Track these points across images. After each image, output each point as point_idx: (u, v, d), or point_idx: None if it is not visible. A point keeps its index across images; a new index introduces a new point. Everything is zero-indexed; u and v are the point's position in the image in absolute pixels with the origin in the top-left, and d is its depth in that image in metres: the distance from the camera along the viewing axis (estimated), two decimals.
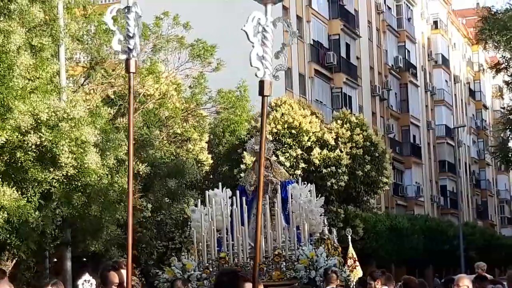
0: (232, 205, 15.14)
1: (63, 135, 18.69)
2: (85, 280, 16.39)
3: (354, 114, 41.31)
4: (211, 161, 34.89)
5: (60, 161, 18.65)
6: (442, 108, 72.72)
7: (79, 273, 20.48)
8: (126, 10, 7.17)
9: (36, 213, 18.86)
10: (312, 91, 49.26)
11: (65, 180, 19.40)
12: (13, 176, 19.02)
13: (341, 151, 36.94)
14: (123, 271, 7.03)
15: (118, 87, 30.53)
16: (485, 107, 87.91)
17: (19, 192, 18.58)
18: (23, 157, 18.51)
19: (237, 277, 5.42)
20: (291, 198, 15.28)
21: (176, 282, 13.74)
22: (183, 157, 31.48)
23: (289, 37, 6.63)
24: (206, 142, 34.37)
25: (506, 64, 35.37)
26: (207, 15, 43.52)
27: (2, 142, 17.92)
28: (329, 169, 36.32)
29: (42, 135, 18.30)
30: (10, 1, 19.24)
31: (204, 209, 15.32)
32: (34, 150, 18.54)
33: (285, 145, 36.17)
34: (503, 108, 41.29)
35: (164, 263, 19.46)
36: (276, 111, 36.94)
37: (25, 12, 19.39)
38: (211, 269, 14.64)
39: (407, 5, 66.71)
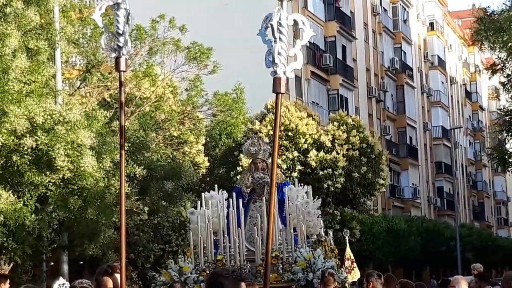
0: (228, 207, 15.11)
1: (59, 139, 18.67)
2: (59, 285, 16.28)
3: (351, 116, 41.32)
4: (208, 164, 34.89)
5: (56, 165, 18.63)
6: (439, 109, 72.76)
7: (76, 276, 20.45)
8: (115, 7, 7.03)
9: (33, 216, 18.83)
10: (308, 93, 49.26)
11: (61, 184, 19.38)
12: (9, 179, 19.00)
13: (338, 153, 36.94)
14: (118, 275, 6.93)
15: (114, 90, 30.51)
16: (482, 109, 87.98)
17: (15, 196, 18.55)
18: (19, 161, 18.48)
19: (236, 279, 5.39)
20: (288, 200, 15.26)
21: (175, 285, 13.73)
22: (180, 159, 31.48)
23: (305, 35, 6.55)
24: (202, 145, 34.38)
25: (502, 65, 35.36)
26: (203, 18, 43.52)
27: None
28: (325, 171, 36.32)
29: (38, 138, 18.28)
30: (5, 5, 19.22)
31: (201, 210, 15.30)
32: (30, 153, 18.52)
33: (282, 148, 36.18)
34: (500, 109, 41.32)
35: (161, 266, 19.45)
36: (273, 113, 36.93)
37: (20, 15, 19.37)
38: (208, 272, 14.62)
39: (403, 7, 66.76)
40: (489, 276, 22.40)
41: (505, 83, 36.01)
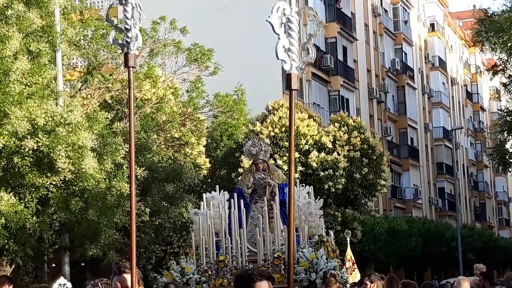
0: (229, 207, 15.11)
1: (60, 140, 18.69)
2: (59, 284, 16.27)
3: (352, 117, 41.34)
4: (209, 165, 34.91)
5: (57, 166, 18.65)
6: (440, 110, 72.75)
7: (78, 277, 20.49)
8: (123, 2, 6.94)
9: (34, 218, 18.86)
10: (309, 94, 49.29)
11: (62, 185, 19.40)
12: (10, 181, 19.03)
13: (339, 154, 36.95)
14: (127, 276, 6.87)
15: (116, 91, 30.55)
16: (483, 109, 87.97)
17: (17, 198, 18.58)
18: (20, 162, 18.50)
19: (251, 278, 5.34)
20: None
21: (169, 285, 13.75)
22: (181, 161, 31.50)
23: (316, 27, 6.43)
24: (203, 146, 34.40)
25: (503, 66, 35.36)
26: (204, 19, 43.55)
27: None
28: (326, 172, 36.33)
29: (39, 140, 18.30)
30: (7, 7, 19.25)
31: (203, 210, 15.31)
32: (31, 155, 18.54)
33: (283, 149, 36.19)
34: (501, 110, 41.30)
35: (163, 268, 19.46)
36: (274, 114, 36.96)
37: (22, 17, 19.41)
38: (210, 273, 14.63)
39: (403, 8, 66.78)
40: (491, 276, 22.40)
41: (506, 83, 36.02)
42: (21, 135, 18.16)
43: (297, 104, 40.08)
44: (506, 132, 35.52)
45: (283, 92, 45.53)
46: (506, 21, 32.25)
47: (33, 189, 19.09)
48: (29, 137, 18.24)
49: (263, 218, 14.80)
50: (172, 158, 31.13)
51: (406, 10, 67.43)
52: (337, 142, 37.46)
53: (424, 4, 73.41)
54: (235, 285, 5.46)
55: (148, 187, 27.83)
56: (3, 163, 18.76)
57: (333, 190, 36.63)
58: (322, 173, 36.33)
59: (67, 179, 19.05)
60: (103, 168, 20.51)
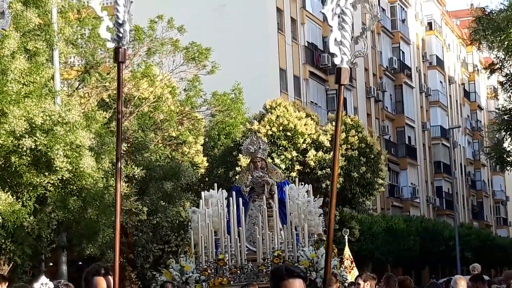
0: (228, 206, 15.07)
1: (58, 139, 18.68)
2: (42, 284, 16.19)
3: (349, 116, 41.35)
4: (207, 164, 34.89)
5: (55, 165, 18.64)
6: (437, 109, 72.77)
7: (76, 276, 20.42)
8: None
9: (32, 217, 18.85)
10: (307, 93, 49.29)
11: (60, 184, 19.39)
12: (8, 180, 19.01)
13: None
14: (111, 278, 6.32)
15: (113, 90, 30.51)
16: (480, 108, 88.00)
17: (14, 197, 18.56)
18: (18, 162, 18.49)
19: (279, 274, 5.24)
20: (289, 199, 15.22)
21: (166, 284, 13.72)
22: (179, 160, 31.48)
23: (370, 20, 6.19)
24: (201, 145, 34.38)
25: (500, 64, 35.34)
26: (202, 18, 43.53)
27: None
28: (324, 171, 36.31)
29: (37, 139, 18.29)
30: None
31: (202, 209, 15.27)
32: (29, 154, 18.53)
33: (280, 147, 36.18)
34: (498, 108, 41.31)
35: (161, 266, 19.44)
36: (271, 113, 36.95)
37: (19, 16, 19.39)
38: (209, 271, 14.58)
39: (401, 7, 66.79)
40: (488, 275, 22.49)
41: (503, 82, 36.01)
42: (18, 134, 18.15)
43: (294, 103, 40.08)
44: (503, 131, 35.51)
45: (280, 91, 45.53)
46: (503, 20, 32.24)
47: (31, 188, 19.08)
48: (27, 136, 18.23)
49: (262, 216, 14.76)
50: (170, 157, 31.12)
51: (403, 9, 67.44)
52: None
53: (422, 3, 73.42)
54: (270, 280, 5.37)
55: (146, 186, 27.82)
56: (0, 162, 18.74)
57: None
58: (319, 172, 36.32)
59: (64, 178, 19.05)
60: (101, 167, 20.51)
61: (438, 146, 71.98)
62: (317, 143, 36.99)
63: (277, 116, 36.71)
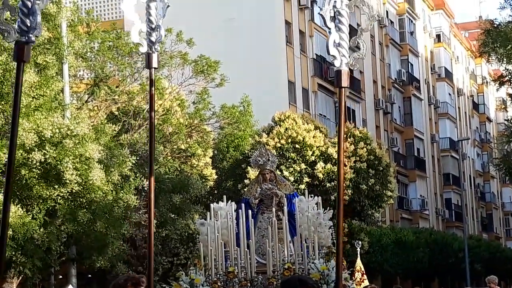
0: (237, 218, 15.05)
1: (67, 152, 18.76)
2: None
3: (358, 128, 41.34)
4: (215, 176, 34.94)
5: (64, 178, 18.71)
6: (446, 121, 72.69)
7: None
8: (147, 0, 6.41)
9: (41, 230, 18.92)
10: (315, 105, 49.32)
11: (69, 197, 19.46)
12: (18, 193, 19.08)
13: (345, 165, 36.94)
14: None
15: (122, 103, 30.62)
16: (489, 120, 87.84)
17: (24, 209, 18.64)
18: (27, 174, 18.57)
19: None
20: (298, 212, 15.19)
21: None
22: (188, 172, 31.54)
23: (368, 21, 6.17)
24: (210, 157, 34.44)
25: (509, 76, 35.30)
26: (210, 31, 43.64)
27: (7, 159, 17.97)
28: (333, 183, 36.29)
29: (46, 152, 18.37)
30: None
31: (210, 221, 15.24)
32: (39, 167, 18.61)
33: (289, 160, 36.19)
34: (507, 120, 41.26)
35: (170, 279, 19.46)
36: (280, 125, 36.98)
37: None
38: (219, 284, 14.53)
39: (409, 19, 66.82)
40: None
41: None
42: (28, 147, 18.23)
43: (303, 115, 40.11)
44: None
45: (289, 103, 45.57)
46: (511, 31, 32.25)
47: (41, 201, 19.16)
48: (36, 149, 18.31)
49: (272, 228, 14.74)
50: (179, 169, 31.17)
51: (412, 21, 67.48)
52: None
53: (430, 15, 73.45)
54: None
55: (155, 199, 27.82)
56: None
57: None
58: (328, 184, 36.31)
59: (74, 191, 19.11)
60: (110, 180, 20.56)
61: (447, 158, 71.85)
62: (325, 156, 36.99)
63: (286, 129, 36.74)
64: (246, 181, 34.14)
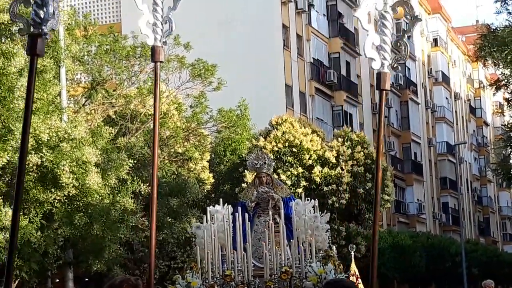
0: (234, 221, 15.01)
1: (64, 156, 18.76)
2: None
3: (355, 132, 41.34)
4: (213, 180, 34.93)
5: (61, 182, 18.70)
6: (443, 125, 72.77)
7: None
8: None
9: (38, 233, 18.90)
10: (312, 109, 49.34)
11: (66, 201, 19.46)
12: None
13: (342, 169, 36.94)
14: None
15: (119, 107, 30.62)
16: (486, 124, 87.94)
17: (21, 213, 18.61)
18: (24, 178, 18.55)
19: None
20: (295, 215, 15.15)
21: None
22: (185, 176, 31.53)
23: (411, 22, 6.09)
24: (207, 161, 34.43)
25: (506, 81, 35.35)
26: (208, 35, 43.66)
27: (3, 163, 17.98)
28: (330, 187, 36.30)
29: (43, 155, 18.37)
30: (12, 23, 19.35)
31: (207, 224, 15.21)
32: (35, 170, 18.61)
33: (286, 164, 36.18)
34: (504, 125, 41.32)
35: (167, 282, 19.45)
36: (277, 129, 36.98)
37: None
38: (216, 287, 14.50)
39: (406, 23, 66.74)
40: None
41: (509, 99, 36.00)
42: None
43: (300, 119, 40.12)
44: (509, 147, 35.51)
45: (286, 107, 45.59)
46: (509, 36, 32.30)
47: (37, 204, 19.15)
48: (33, 152, 18.30)
49: (269, 232, 14.71)
50: (176, 173, 31.16)
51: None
52: (340, 157, 37.45)
53: (427, 19, 73.54)
54: None
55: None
56: (7, 179, 18.81)
57: (337, 205, 36.59)
58: (325, 188, 36.30)
59: (71, 194, 19.11)
60: (107, 183, 20.56)
61: (444, 162, 71.92)
62: (323, 159, 36.98)
63: (283, 132, 36.74)
64: (244, 184, 34.12)
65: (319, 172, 36.41)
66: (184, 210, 28.81)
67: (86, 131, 20.17)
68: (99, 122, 26.36)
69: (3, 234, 18.02)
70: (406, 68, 65.44)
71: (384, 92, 5.79)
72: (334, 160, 37.01)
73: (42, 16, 5.53)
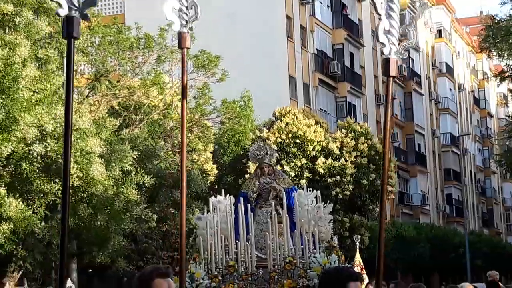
0: (236, 212, 14.97)
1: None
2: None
3: (359, 123, 41.31)
4: (216, 171, 34.94)
5: None
6: (447, 116, 72.68)
7: (86, 284, 20.51)
8: None
9: (42, 224, 18.93)
10: (316, 101, 49.31)
11: (70, 191, 19.44)
12: (18, 187, 19.10)
13: (346, 160, 36.93)
14: (169, 280, 5.55)
15: (123, 98, 30.63)
16: (490, 115, 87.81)
17: (25, 203, 18.65)
18: (28, 168, 18.58)
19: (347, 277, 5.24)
20: (298, 206, 15.11)
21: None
22: (188, 167, 31.53)
23: (420, 8, 6.04)
24: (211, 152, 34.44)
25: (510, 72, 35.36)
26: (211, 26, 43.60)
27: (8, 153, 18.00)
28: (334, 178, 36.31)
29: (47, 146, 18.38)
30: (15, 14, 19.35)
31: (208, 215, 15.16)
32: (40, 161, 18.62)
33: (290, 155, 36.18)
34: (508, 116, 41.27)
35: None
36: (281, 120, 36.97)
37: (30, 24, 19.49)
38: (220, 278, 14.48)
39: (410, 14, 66.77)
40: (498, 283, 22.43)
41: None
42: (29, 141, 18.24)
43: (304, 110, 40.09)
44: None
45: (289, 99, 45.57)
46: None
47: (42, 195, 19.16)
48: (37, 142, 18.32)
49: (272, 222, 14.68)
50: (180, 164, 31.13)
51: (413, 16, 67.38)
52: (344, 148, 37.45)
53: (431, 10, 73.36)
54: (337, 278, 5.27)
55: (156, 194, 27.87)
56: (11, 169, 18.83)
57: (341, 196, 36.60)
58: (329, 180, 36.31)
59: (75, 185, 19.12)
60: (111, 174, 20.57)
61: (448, 154, 71.86)
62: (326, 151, 36.98)
63: (287, 124, 36.72)
64: (247, 176, 34.14)
65: (323, 163, 36.40)
66: (187, 201, 28.80)
67: (90, 122, 20.17)
68: (103, 113, 26.37)
69: (7, 225, 18.05)
70: (410, 59, 65.34)
71: (391, 78, 5.71)
72: (337, 151, 37.00)
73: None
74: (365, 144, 38.14)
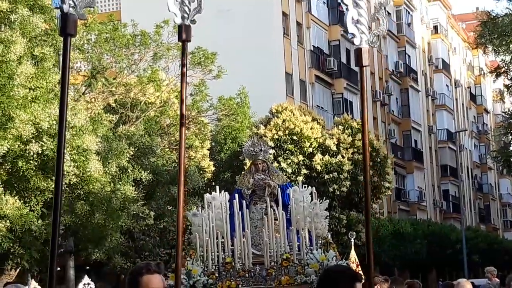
0: (231, 208, 14.94)
1: (65, 144, 18.73)
2: (84, 284, 16.37)
3: (355, 120, 41.31)
4: (213, 168, 34.94)
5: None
6: (443, 112, 72.74)
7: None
8: None
9: (39, 221, 18.92)
10: (313, 97, 49.32)
11: (67, 189, 19.46)
12: (15, 185, 19.09)
13: (343, 157, 36.94)
14: (159, 277, 5.66)
15: (119, 95, 30.61)
16: (486, 111, 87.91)
17: (22, 201, 18.64)
18: (25, 166, 18.57)
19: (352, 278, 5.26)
20: (293, 202, 15.08)
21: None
22: (185, 164, 31.52)
23: None
24: (207, 149, 34.44)
25: (506, 68, 35.34)
26: (207, 23, 43.48)
27: (4, 151, 17.98)
28: (331, 174, 36.32)
29: (43, 143, 18.36)
30: (11, 11, 19.31)
31: (203, 212, 15.12)
32: (36, 159, 18.60)
33: (287, 152, 36.19)
34: (504, 112, 41.30)
35: (168, 270, 19.47)
36: (277, 117, 36.98)
37: (26, 22, 19.47)
38: (217, 275, 14.46)
39: (406, 10, 66.78)
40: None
41: (509, 85, 36.01)
42: (25, 139, 18.22)
43: (300, 107, 40.09)
44: (510, 134, 35.53)
45: (286, 95, 45.57)
46: (509, 24, 32.27)
47: (38, 193, 19.15)
48: (33, 140, 18.30)
49: (268, 219, 14.66)
50: (176, 161, 31.17)
51: (409, 13, 67.45)
52: (341, 144, 37.46)
53: (427, 7, 73.41)
54: (341, 280, 5.24)
55: (153, 191, 27.88)
56: (8, 167, 18.81)
57: (338, 192, 36.62)
58: (326, 176, 36.32)
59: (72, 182, 19.11)
60: (108, 171, 20.56)
61: (445, 150, 71.93)
62: (323, 147, 36.99)
63: (283, 120, 36.72)
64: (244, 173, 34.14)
65: (320, 160, 36.42)
66: (184, 198, 28.83)
67: (86, 119, 20.16)
68: (99, 110, 26.35)
69: (4, 222, 18.04)
70: (406, 55, 65.39)
71: (364, 68, 5.62)
72: (334, 148, 37.02)
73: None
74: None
